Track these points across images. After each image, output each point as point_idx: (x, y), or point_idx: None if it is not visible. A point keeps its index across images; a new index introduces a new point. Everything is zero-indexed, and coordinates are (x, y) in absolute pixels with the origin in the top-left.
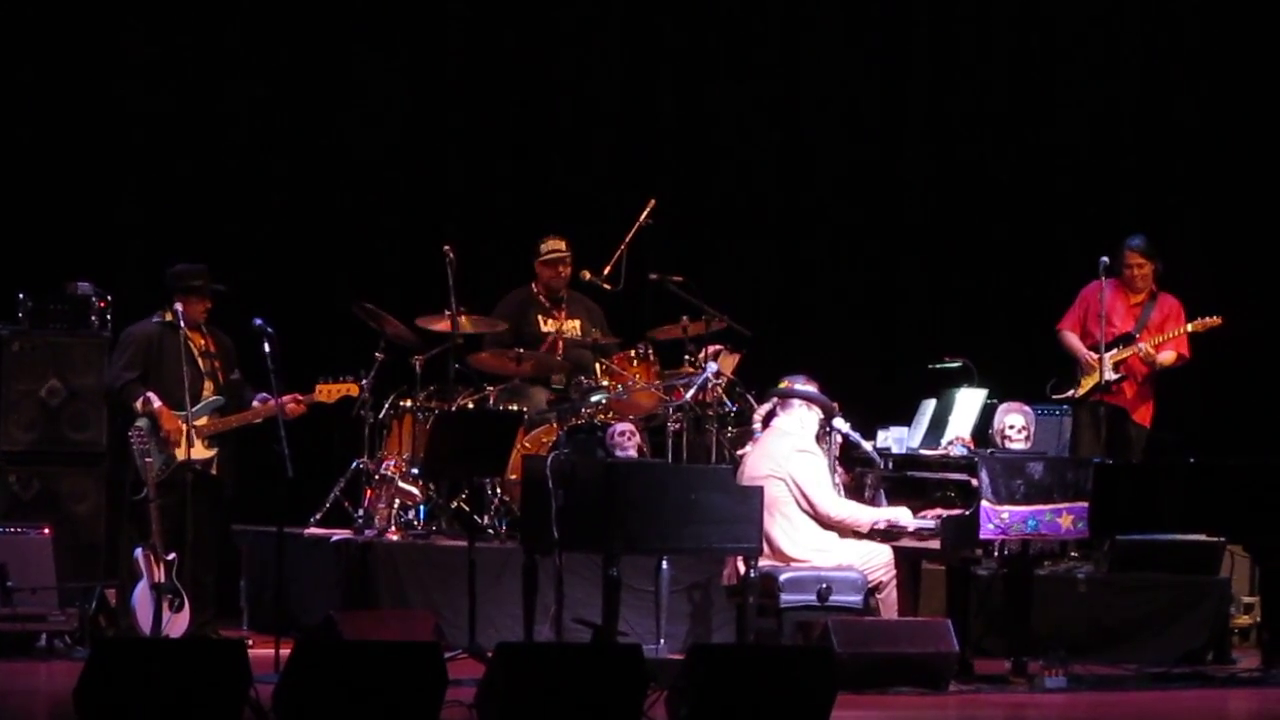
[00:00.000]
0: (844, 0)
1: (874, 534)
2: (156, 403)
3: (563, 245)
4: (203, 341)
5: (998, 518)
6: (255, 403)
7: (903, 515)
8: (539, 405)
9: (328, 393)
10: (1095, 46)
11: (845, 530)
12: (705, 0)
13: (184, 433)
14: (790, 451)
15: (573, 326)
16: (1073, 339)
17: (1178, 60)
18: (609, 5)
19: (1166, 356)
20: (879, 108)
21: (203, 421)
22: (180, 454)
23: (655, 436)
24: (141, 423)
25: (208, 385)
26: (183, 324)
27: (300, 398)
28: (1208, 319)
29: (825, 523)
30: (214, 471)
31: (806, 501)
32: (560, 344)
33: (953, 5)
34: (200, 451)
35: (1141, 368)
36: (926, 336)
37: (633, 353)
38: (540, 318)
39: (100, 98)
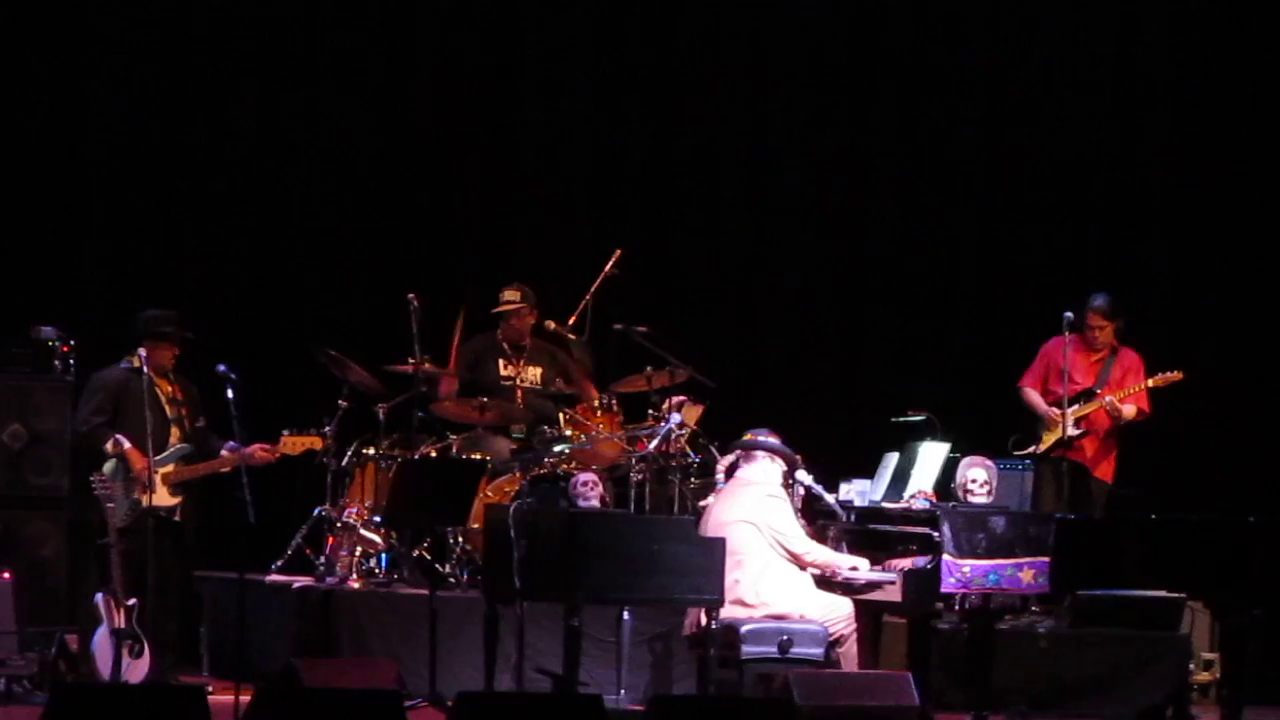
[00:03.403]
0: (810, 52)
1: (835, 586)
2: (127, 444)
3: (516, 296)
4: (170, 388)
5: (959, 571)
6: (224, 451)
7: (863, 566)
8: (502, 454)
9: (292, 444)
10: (1062, 102)
11: (821, 571)
12: (672, 52)
13: (150, 477)
14: (761, 497)
15: (533, 374)
16: (1034, 395)
17: (1146, 111)
18: (576, 56)
19: (1129, 410)
20: (845, 162)
21: (169, 469)
22: (144, 500)
23: (618, 487)
24: (106, 467)
25: (174, 432)
26: (149, 370)
27: (268, 447)
28: (1169, 374)
29: (800, 564)
30: (177, 518)
31: (781, 545)
32: (520, 393)
33: (920, 57)
34: (164, 498)
35: (1103, 423)
36: (890, 390)
37: (597, 403)
38: (501, 362)
39: (63, 141)
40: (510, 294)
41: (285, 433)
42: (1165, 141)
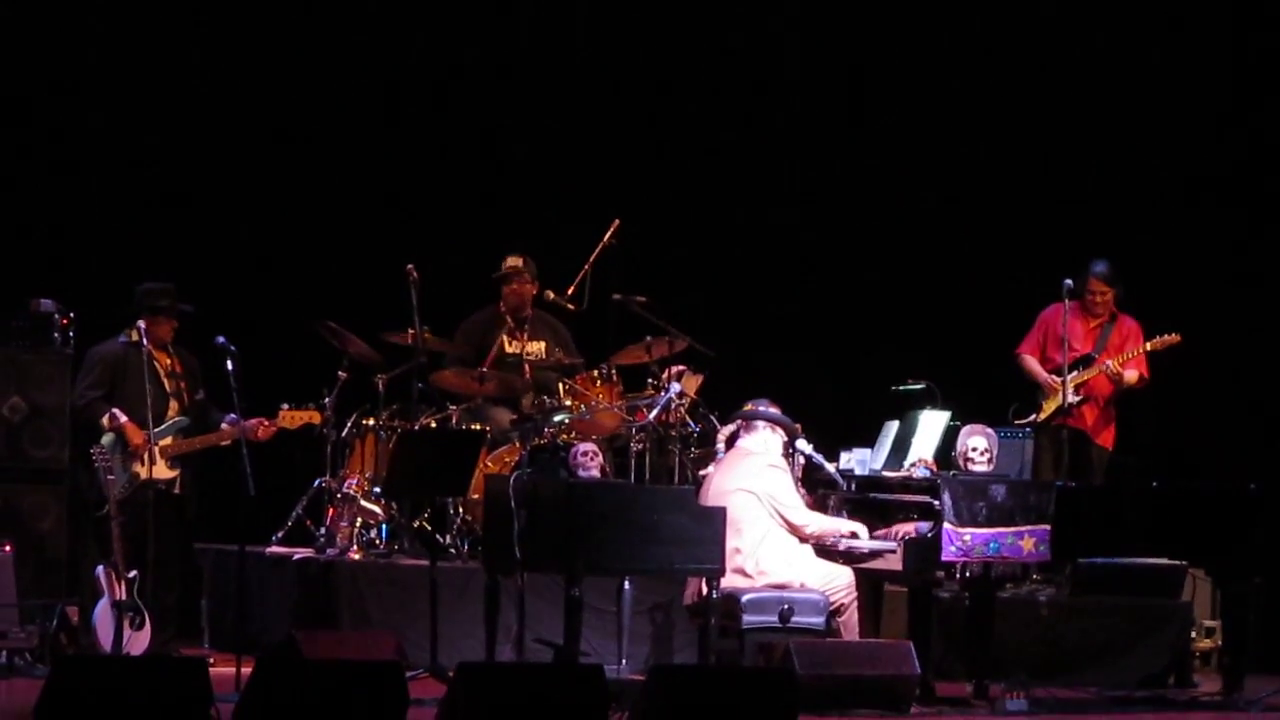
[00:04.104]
0: (806, 24)
1: (835, 555)
2: (123, 418)
3: (519, 263)
4: (169, 361)
5: (960, 540)
6: (224, 424)
7: (862, 531)
8: (502, 425)
9: (290, 418)
10: (1054, 70)
11: (821, 541)
12: (670, 21)
13: (148, 451)
14: (762, 467)
15: (537, 348)
16: (1033, 363)
17: (1140, 78)
18: (573, 26)
19: (1130, 375)
20: (842, 128)
21: (168, 441)
22: (143, 473)
23: (618, 457)
24: (105, 440)
25: (173, 405)
26: (147, 343)
27: (267, 422)
28: (1166, 336)
29: (800, 536)
30: (177, 490)
31: (780, 516)
32: (527, 366)
33: (911, 26)
34: (163, 471)
35: (1104, 390)
36: (890, 359)
37: (596, 373)
38: (505, 338)
39: (62, 115)
40: (512, 260)
41: (284, 406)
42: (1158, 108)
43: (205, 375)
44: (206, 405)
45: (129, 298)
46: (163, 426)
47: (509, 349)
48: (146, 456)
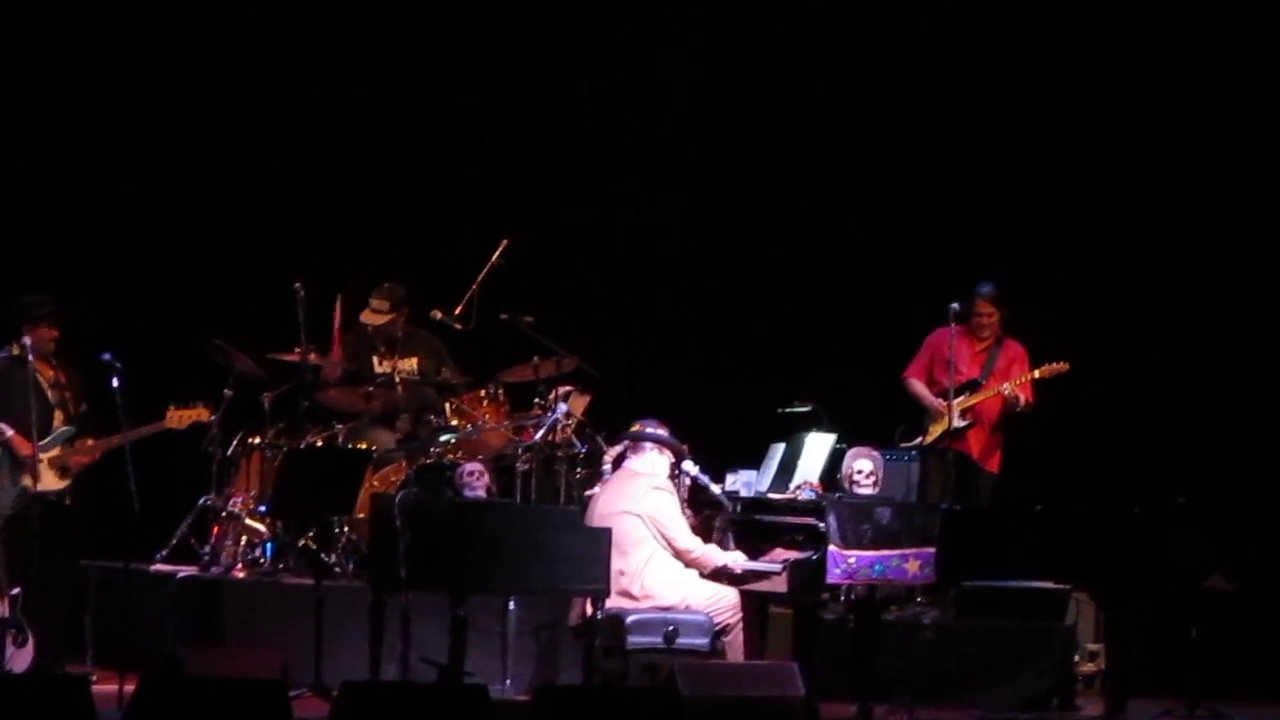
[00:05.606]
0: (699, 36)
1: (721, 576)
2: (9, 432)
3: (385, 306)
4: (52, 373)
5: (845, 562)
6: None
7: (739, 560)
8: (385, 444)
9: (178, 418)
10: (940, 93)
11: (702, 568)
12: (556, 36)
13: (36, 463)
14: (647, 489)
15: (409, 365)
16: (919, 386)
17: (1023, 102)
18: (460, 43)
19: (1022, 398)
20: (730, 150)
21: (55, 452)
22: (32, 485)
23: (504, 476)
24: None
25: (58, 416)
26: (31, 356)
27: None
28: (1055, 365)
29: (684, 559)
30: (68, 502)
31: (664, 538)
32: (399, 385)
33: (808, 45)
34: (53, 481)
35: (990, 415)
36: (776, 381)
37: (483, 392)
38: (375, 359)
39: None
40: (378, 303)
41: (170, 407)
42: (1043, 135)
43: (90, 392)
44: (90, 416)
45: (7, 312)
46: (49, 438)
47: (379, 369)
48: (34, 469)
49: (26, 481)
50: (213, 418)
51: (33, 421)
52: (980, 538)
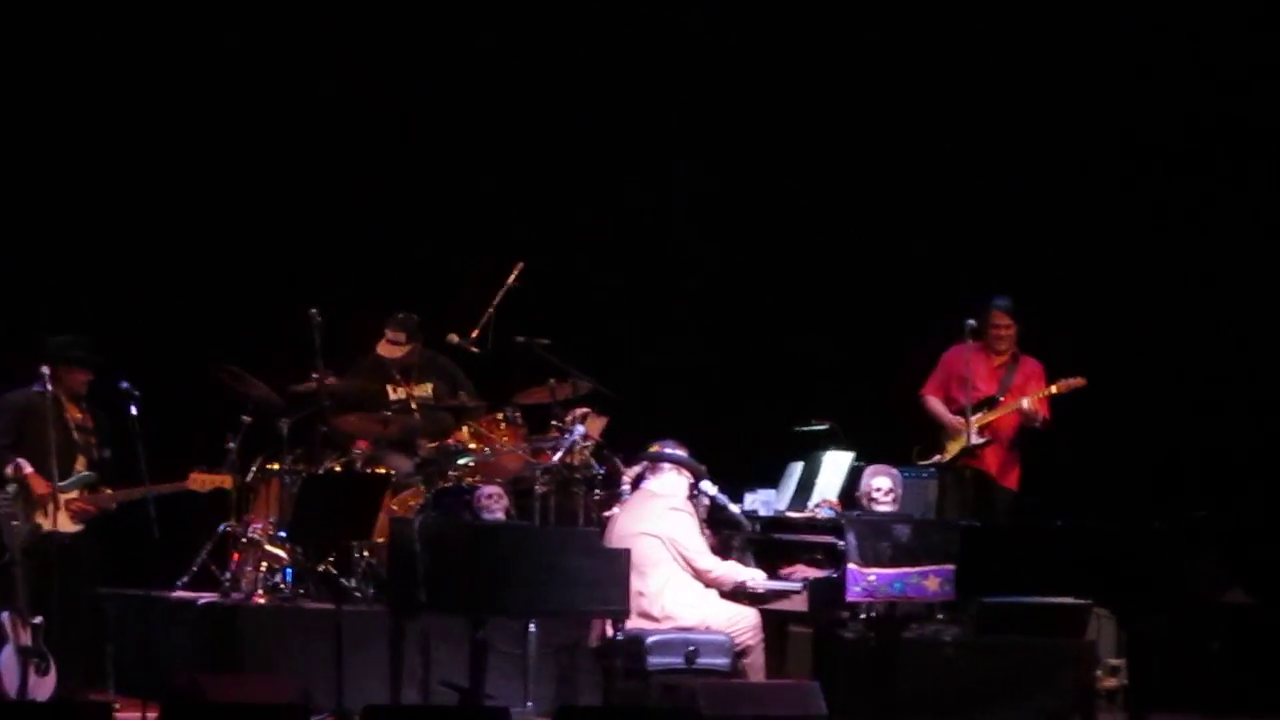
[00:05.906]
0: (710, 60)
1: (740, 596)
2: (28, 468)
3: (402, 338)
4: (79, 415)
5: (864, 580)
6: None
7: (759, 577)
8: (401, 468)
9: (200, 482)
10: (956, 107)
11: (722, 587)
12: (569, 56)
13: (52, 501)
14: (665, 510)
15: (424, 390)
16: (936, 404)
17: (1037, 119)
18: (473, 69)
19: (1041, 414)
20: (747, 171)
21: (73, 495)
22: (46, 524)
23: (522, 499)
24: (10, 488)
25: (81, 460)
26: (52, 392)
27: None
28: (1071, 380)
29: (704, 579)
30: (79, 546)
31: (683, 559)
32: (415, 410)
33: (816, 65)
34: (66, 524)
35: (1008, 431)
36: (793, 399)
37: (500, 415)
38: (389, 387)
39: None
40: (394, 334)
41: (195, 470)
42: (1059, 152)
43: (114, 437)
44: (110, 465)
45: (37, 347)
46: (69, 480)
47: (394, 396)
48: (50, 508)
49: (39, 519)
50: (234, 484)
51: (54, 462)
52: (999, 554)
